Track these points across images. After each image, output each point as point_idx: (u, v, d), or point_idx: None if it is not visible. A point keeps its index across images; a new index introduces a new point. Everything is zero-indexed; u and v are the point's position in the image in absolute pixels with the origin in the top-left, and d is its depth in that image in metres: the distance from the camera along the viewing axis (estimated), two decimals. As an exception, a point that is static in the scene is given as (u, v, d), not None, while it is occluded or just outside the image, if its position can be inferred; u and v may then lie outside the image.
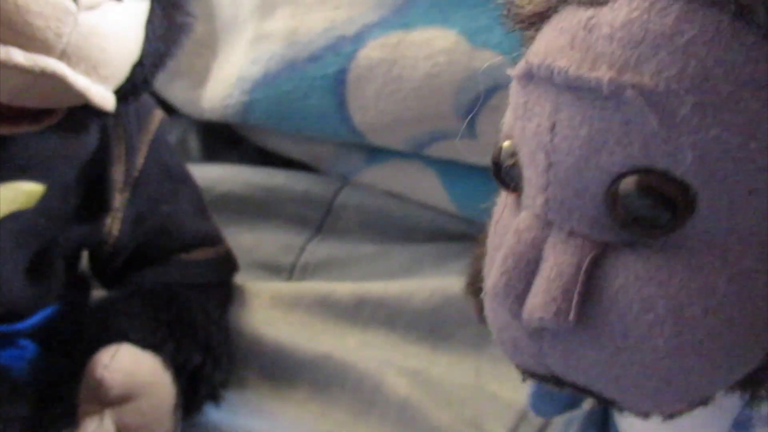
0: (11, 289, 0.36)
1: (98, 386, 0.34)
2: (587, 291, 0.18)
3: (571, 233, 0.18)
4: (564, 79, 0.18)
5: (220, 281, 0.44)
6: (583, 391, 0.20)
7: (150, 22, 0.35)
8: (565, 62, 0.18)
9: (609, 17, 0.18)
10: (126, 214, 0.40)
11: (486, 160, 0.22)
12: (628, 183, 0.17)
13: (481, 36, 0.44)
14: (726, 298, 0.17)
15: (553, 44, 0.19)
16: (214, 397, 0.39)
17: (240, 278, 0.47)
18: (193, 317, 0.39)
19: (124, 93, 0.36)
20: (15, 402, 0.35)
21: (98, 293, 0.43)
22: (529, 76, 0.19)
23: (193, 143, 0.60)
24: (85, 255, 0.42)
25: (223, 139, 0.59)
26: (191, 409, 0.38)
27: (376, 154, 0.52)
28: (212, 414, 0.39)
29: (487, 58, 0.44)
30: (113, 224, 0.40)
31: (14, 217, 0.35)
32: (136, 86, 0.36)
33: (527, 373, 0.21)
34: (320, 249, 0.51)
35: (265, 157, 0.57)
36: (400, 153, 0.51)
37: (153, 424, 0.36)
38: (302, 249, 0.51)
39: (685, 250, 0.17)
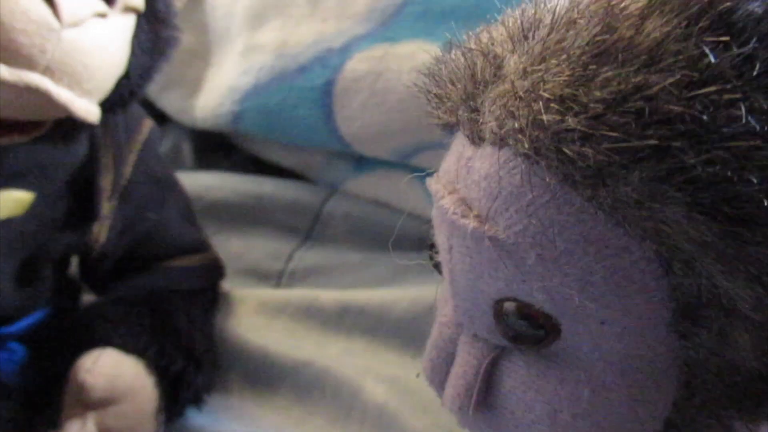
0: (1, 293, 0.37)
1: (81, 389, 0.35)
2: (489, 385, 0.21)
3: (475, 336, 0.22)
4: (447, 219, 0.20)
5: (205, 287, 0.45)
6: None
7: (136, 36, 0.36)
8: (447, 203, 0.20)
9: (478, 164, 0.20)
10: (113, 221, 0.41)
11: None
12: (507, 306, 0.20)
13: (464, 50, 0.45)
14: (590, 407, 0.20)
15: (448, 169, 0.22)
16: (197, 402, 0.40)
17: (228, 284, 0.48)
18: (177, 323, 0.40)
19: (111, 105, 0.37)
20: (2, 404, 0.36)
21: (89, 298, 0.45)
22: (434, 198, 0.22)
23: (187, 151, 0.61)
24: (74, 261, 0.44)
25: (216, 147, 0.60)
26: (173, 414, 0.39)
27: (363, 163, 0.53)
28: (195, 418, 0.40)
29: (469, 72, 0.44)
30: (101, 232, 0.41)
31: (4, 224, 0.36)
32: (123, 98, 0.37)
33: None
34: (308, 256, 0.52)
35: (256, 165, 0.58)
36: (387, 163, 0.52)
37: (135, 427, 0.36)
38: (290, 256, 0.52)
39: (557, 362, 0.20)
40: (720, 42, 0.17)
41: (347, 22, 0.50)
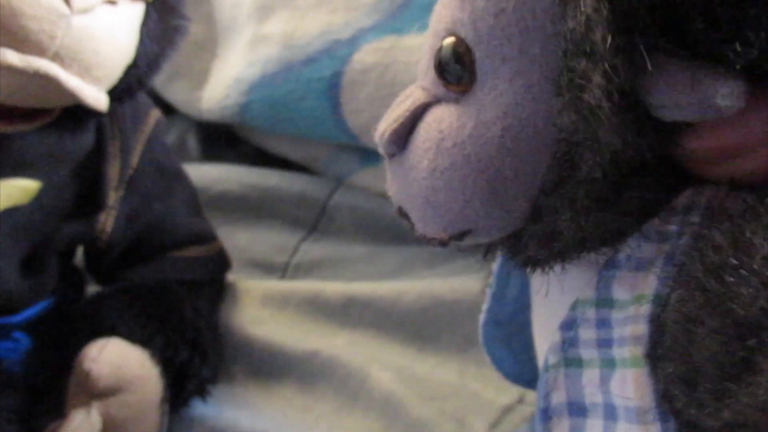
0: (6, 282, 0.37)
1: (86, 379, 0.35)
2: (413, 129, 0.24)
3: (422, 87, 0.24)
4: None
5: (211, 279, 0.45)
6: (405, 216, 0.25)
7: (145, 24, 0.36)
8: None
9: None
10: (120, 211, 0.41)
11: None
12: (443, 46, 0.23)
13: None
14: (469, 139, 0.23)
15: None
16: (201, 392, 0.40)
17: (234, 276, 0.48)
18: (183, 313, 0.40)
19: (118, 93, 0.37)
20: (7, 393, 0.36)
21: (93, 289, 0.45)
22: None
23: (192, 143, 0.61)
24: (79, 251, 0.43)
25: (222, 139, 0.60)
26: (178, 404, 0.39)
27: (370, 156, 0.53)
28: (199, 408, 0.40)
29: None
30: (107, 221, 0.40)
31: (10, 212, 0.36)
32: (130, 87, 0.37)
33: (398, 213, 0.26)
34: (313, 249, 0.52)
35: (262, 157, 0.58)
36: (393, 156, 0.52)
37: (140, 417, 0.36)
38: (296, 249, 0.52)
39: (462, 102, 0.23)
40: None
41: (355, 14, 0.50)
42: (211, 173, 0.55)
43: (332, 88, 0.49)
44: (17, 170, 0.36)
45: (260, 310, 0.46)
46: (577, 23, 0.20)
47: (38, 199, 0.37)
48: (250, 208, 0.53)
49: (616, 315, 0.23)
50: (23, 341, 0.39)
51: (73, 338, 0.38)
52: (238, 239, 0.51)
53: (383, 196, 0.52)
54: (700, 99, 0.19)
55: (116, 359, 0.36)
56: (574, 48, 0.20)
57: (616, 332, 0.23)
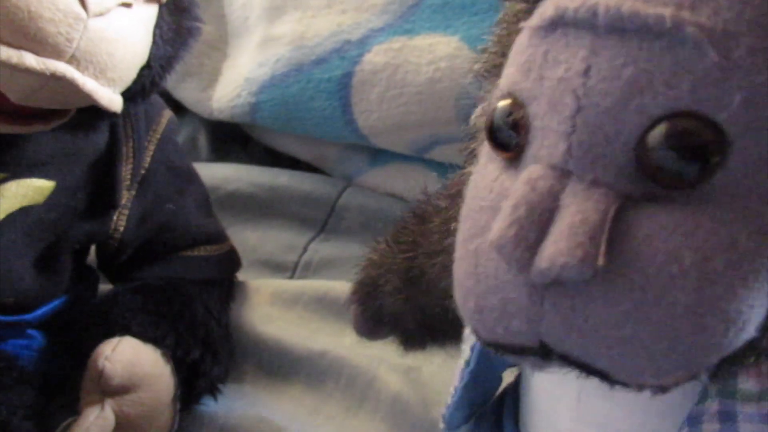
0: (21, 281, 0.38)
1: (99, 376, 0.35)
2: (608, 243, 0.17)
3: (594, 183, 0.17)
4: (614, 18, 0.17)
5: (222, 278, 0.45)
6: (571, 363, 0.18)
7: (158, 26, 0.36)
8: (614, 2, 0.17)
9: None
10: (132, 211, 0.41)
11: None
12: (662, 129, 0.17)
13: (482, 43, 0.45)
14: (746, 254, 0.17)
15: None
16: (212, 391, 0.40)
17: (243, 275, 0.48)
18: (194, 312, 0.40)
19: (132, 94, 0.37)
20: (21, 390, 0.36)
21: (106, 287, 0.45)
22: (555, 25, 0.18)
23: (203, 142, 0.61)
24: (92, 250, 0.44)
25: (232, 138, 0.60)
26: (189, 401, 0.40)
27: (379, 156, 0.53)
28: (210, 406, 0.41)
29: (487, 66, 0.44)
30: (120, 220, 0.41)
31: (25, 211, 0.36)
32: (144, 88, 0.37)
33: (505, 348, 0.19)
34: (322, 248, 0.52)
35: (272, 157, 0.58)
36: (402, 156, 0.52)
37: (152, 414, 0.37)
38: (305, 248, 0.52)
39: (710, 203, 0.17)
40: None
41: (365, 15, 0.50)
42: (222, 172, 0.55)
43: (342, 88, 0.50)
44: (32, 170, 0.36)
45: (270, 308, 0.46)
46: None
47: (52, 198, 0.37)
48: (260, 207, 0.54)
49: (741, 407, 0.20)
50: (37, 339, 0.40)
51: (86, 336, 0.38)
52: (247, 238, 0.52)
53: (392, 196, 0.53)
54: None
55: (129, 358, 0.36)
56: None
57: (745, 427, 0.20)
